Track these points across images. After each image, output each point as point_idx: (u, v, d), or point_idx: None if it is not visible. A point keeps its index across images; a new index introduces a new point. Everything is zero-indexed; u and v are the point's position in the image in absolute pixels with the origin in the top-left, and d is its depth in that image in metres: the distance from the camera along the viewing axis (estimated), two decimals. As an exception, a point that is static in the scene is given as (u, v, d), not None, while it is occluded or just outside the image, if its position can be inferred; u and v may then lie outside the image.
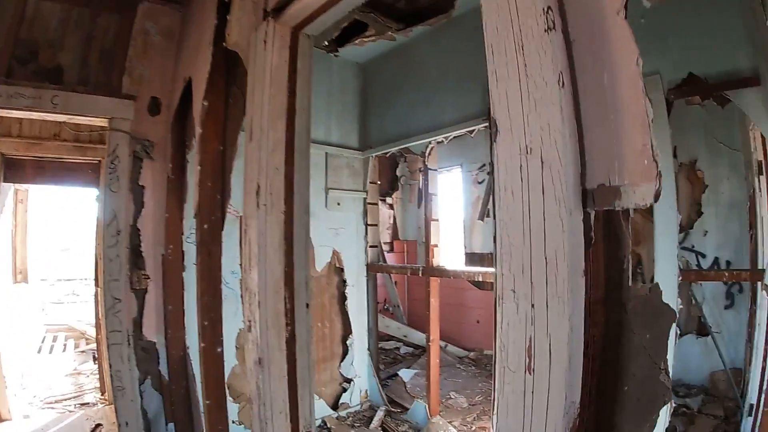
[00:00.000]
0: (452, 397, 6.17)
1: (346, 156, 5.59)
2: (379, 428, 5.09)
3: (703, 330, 6.54)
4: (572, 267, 1.13)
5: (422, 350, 7.80)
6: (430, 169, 5.25)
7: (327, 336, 5.39)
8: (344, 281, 5.58)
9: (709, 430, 5.10)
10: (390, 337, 8.06)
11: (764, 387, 4.97)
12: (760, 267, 4.79)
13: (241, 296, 2.26)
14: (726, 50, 3.31)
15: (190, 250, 3.61)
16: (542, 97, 1.17)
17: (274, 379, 2.06)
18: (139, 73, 3.88)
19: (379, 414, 5.28)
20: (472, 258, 8.27)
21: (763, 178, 4.45)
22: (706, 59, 3.38)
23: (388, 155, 6.07)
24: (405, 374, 6.47)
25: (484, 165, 8.31)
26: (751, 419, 4.79)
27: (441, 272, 5.17)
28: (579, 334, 1.14)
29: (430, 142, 5.13)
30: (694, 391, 6.44)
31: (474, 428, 5.49)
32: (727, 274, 4.46)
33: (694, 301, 6.52)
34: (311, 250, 3.88)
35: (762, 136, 4.27)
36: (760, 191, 4.60)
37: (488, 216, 6.98)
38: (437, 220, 5.32)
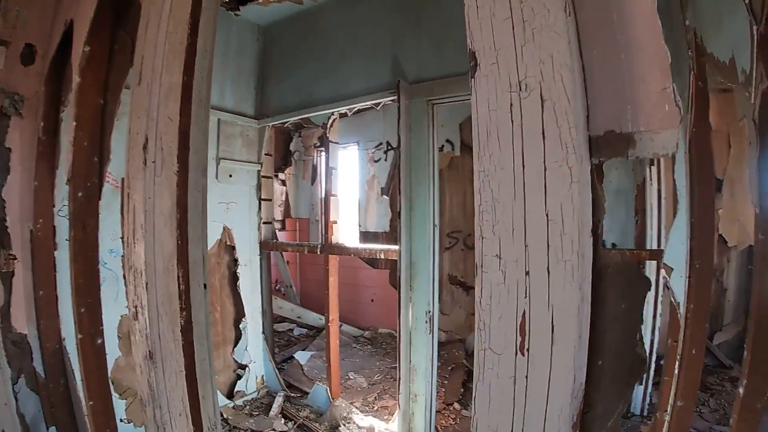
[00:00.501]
0: (351, 377, 6.00)
1: (240, 124, 5.12)
2: (280, 415, 4.78)
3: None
4: (582, 225, 0.96)
5: (317, 331, 7.55)
6: (332, 142, 4.95)
7: (218, 320, 4.95)
8: (236, 260, 5.15)
9: None
10: (283, 319, 7.72)
11: (653, 357, 5.37)
12: (648, 248, 5.10)
13: (124, 277, 1.85)
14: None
15: (63, 225, 3.03)
16: (543, 25, 0.96)
17: (169, 375, 1.70)
18: (14, 15, 3.14)
19: (278, 400, 4.97)
20: (366, 237, 8.13)
21: (654, 168, 4.98)
22: None
23: (284, 126, 5.67)
24: (301, 357, 6.19)
25: (380, 144, 8.17)
26: (641, 386, 5.33)
27: (341, 250, 4.93)
28: (588, 306, 0.98)
29: (332, 113, 4.84)
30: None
31: (376, 408, 5.36)
32: (628, 254, 4.69)
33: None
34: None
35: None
36: (650, 181, 5.07)
37: (386, 194, 6.83)
38: (336, 196, 5.06)
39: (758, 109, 1.84)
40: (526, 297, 0.99)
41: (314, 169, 9.19)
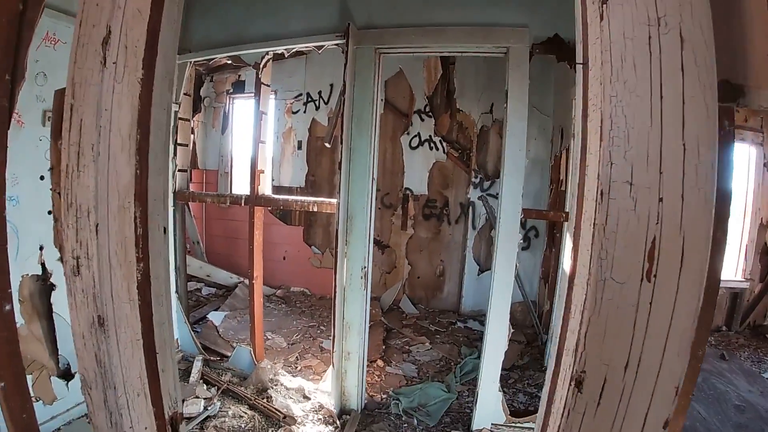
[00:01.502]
0: (269, 337, 5.73)
1: None
2: (201, 381, 4.43)
3: (502, 267, 7.13)
4: (714, 157, 0.98)
5: (226, 290, 7.13)
6: (264, 85, 4.52)
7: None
8: (149, 211, 4.62)
9: (518, 353, 5.58)
10: (190, 278, 7.19)
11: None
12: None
13: (56, 217, 1.43)
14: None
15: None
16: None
17: (124, 346, 1.35)
18: None
19: (197, 365, 4.60)
20: (280, 191, 7.76)
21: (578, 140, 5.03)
22: (573, 26, 3.49)
23: (205, 64, 5.11)
24: (215, 318, 5.81)
25: (300, 95, 7.77)
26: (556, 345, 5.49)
27: (269, 201, 4.58)
28: (710, 231, 0.99)
29: (267, 53, 4.40)
30: (493, 321, 7.05)
31: (299, 368, 5.15)
32: (552, 214, 4.86)
33: (493, 242, 7.03)
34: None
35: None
36: (573, 151, 5.11)
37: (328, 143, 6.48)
38: (265, 143, 4.66)
39: None
40: (657, 223, 0.99)
41: (225, 117, 8.57)
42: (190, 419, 3.88)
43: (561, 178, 5.91)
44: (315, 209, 4.31)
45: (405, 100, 7.34)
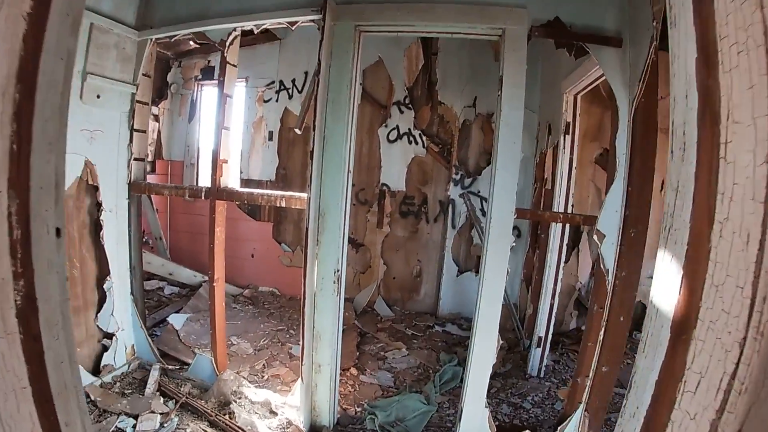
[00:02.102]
0: (234, 342, 5.29)
1: (117, 33, 3.97)
2: (157, 393, 3.96)
3: (482, 269, 6.83)
4: None
5: (190, 290, 6.63)
6: (230, 65, 4.06)
7: (78, 279, 3.92)
8: (99, 204, 4.12)
9: (500, 359, 5.28)
10: (151, 276, 6.68)
11: (552, 322, 5.31)
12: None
13: None
14: (596, 7, 3.39)
15: None
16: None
17: (3, 398, 0.91)
18: None
19: (154, 374, 4.13)
20: (249, 185, 7.31)
21: (568, 137, 4.98)
22: (575, 9, 3.40)
23: (169, 41, 4.63)
24: (176, 321, 5.33)
25: (273, 82, 7.32)
26: (539, 349, 5.35)
27: (231, 195, 4.14)
28: None
29: (234, 29, 3.95)
30: (474, 325, 6.74)
31: (266, 377, 4.73)
32: (561, 217, 4.58)
33: (473, 242, 6.72)
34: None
35: (574, 99, 4.88)
36: (564, 149, 5.03)
37: (299, 129, 6.04)
38: (229, 129, 4.18)
39: None
40: None
41: (193, 105, 8.06)
42: None
43: (546, 176, 5.61)
44: (283, 204, 3.88)
45: (384, 90, 6.94)
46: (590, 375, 3.57)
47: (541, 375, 5.54)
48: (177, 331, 5.12)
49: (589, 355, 3.55)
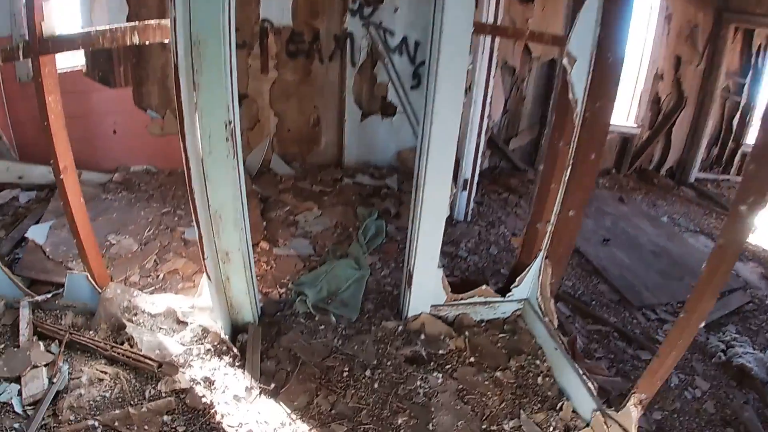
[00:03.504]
0: (112, 242, 4.24)
1: None
2: (35, 337, 2.92)
3: (387, 110, 6.06)
4: None
5: (49, 190, 5.16)
6: None
7: None
8: None
9: None
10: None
11: (477, 165, 4.81)
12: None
13: None
14: None
15: None
16: None
17: None
18: None
19: (24, 314, 2.99)
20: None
21: None
22: None
23: None
24: (36, 234, 4.06)
25: None
26: (465, 192, 4.98)
27: (60, 44, 2.78)
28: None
29: None
30: (385, 171, 6.12)
31: (161, 275, 3.87)
32: (528, 34, 3.81)
33: (377, 81, 5.88)
34: None
35: None
36: None
37: None
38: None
39: None
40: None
41: None
42: (35, 405, 2.54)
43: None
44: (136, 40, 2.67)
45: None
46: (551, 220, 3.11)
47: (468, 219, 5.19)
48: (41, 246, 3.93)
49: (551, 199, 3.04)
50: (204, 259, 2.85)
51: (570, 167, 2.91)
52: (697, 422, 3.15)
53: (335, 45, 5.72)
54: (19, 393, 2.57)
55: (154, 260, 4.05)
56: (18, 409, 2.49)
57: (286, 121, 6.02)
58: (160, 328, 3.14)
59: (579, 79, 2.72)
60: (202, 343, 3.08)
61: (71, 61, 5.33)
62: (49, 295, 3.25)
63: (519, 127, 6.73)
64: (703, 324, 2.10)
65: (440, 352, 3.20)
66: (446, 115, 2.76)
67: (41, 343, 2.85)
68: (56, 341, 2.91)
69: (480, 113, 4.53)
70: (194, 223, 2.75)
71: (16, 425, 2.42)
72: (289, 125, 6.05)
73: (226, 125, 2.61)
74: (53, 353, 2.83)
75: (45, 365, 2.73)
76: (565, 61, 2.69)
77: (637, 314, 4.17)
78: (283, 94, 5.85)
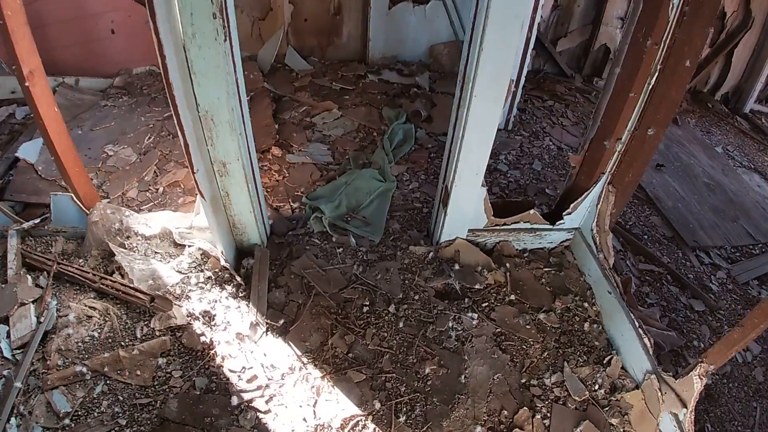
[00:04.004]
0: (110, 153, 3.78)
1: None
2: (23, 270, 2.54)
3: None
4: None
5: None
6: None
7: None
8: None
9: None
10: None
11: (525, 66, 4.08)
12: None
13: None
14: None
15: None
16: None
17: None
18: None
19: (12, 243, 2.57)
20: None
21: None
22: None
23: None
24: (27, 152, 3.55)
25: None
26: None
27: None
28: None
29: None
30: (415, 67, 5.39)
31: (161, 189, 3.45)
32: None
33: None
34: None
35: None
36: None
37: None
38: None
39: None
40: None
41: None
42: (24, 347, 2.22)
43: None
44: None
45: None
46: (623, 138, 2.47)
47: (509, 127, 4.56)
48: (33, 165, 3.48)
49: (627, 111, 2.37)
50: (194, 173, 2.34)
51: (656, 75, 2.23)
52: (745, 391, 2.75)
53: None
54: (8, 335, 2.25)
55: (154, 171, 3.60)
56: (7, 353, 2.21)
57: (303, 8, 5.23)
58: (156, 253, 2.73)
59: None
60: (201, 270, 2.68)
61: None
62: (37, 221, 2.84)
63: (569, 27, 5.78)
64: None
65: (476, 286, 2.74)
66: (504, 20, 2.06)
67: (29, 277, 2.50)
68: (45, 272, 2.54)
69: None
70: (177, 127, 2.22)
71: (6, 372, 2.13)
72: (306, 14, 5.27)
73: (213, 2, 1.93)
74: (42, 287, 2.48)
75: (33, 302, 2.39)
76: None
77: (691, 255, 3.64)
78: (298, -25, 5.04)
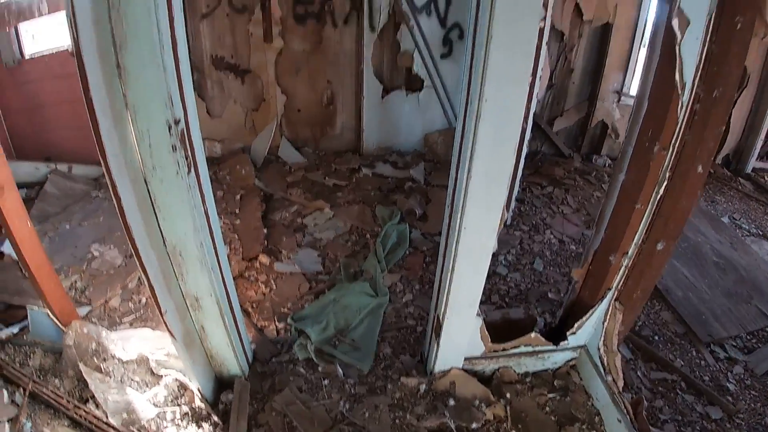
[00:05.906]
0: (95, 253, 3.64)
1: None
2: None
3: (413, 84, 5.22)
4: None
5: (40, 188, 4.52)
6: None
7: None
8: None
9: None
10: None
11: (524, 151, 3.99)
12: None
13: None
14: None
15: None
16: None
17: None
18: None
19: None
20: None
21: None
22: None
23: None
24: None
25: None
26: None
27: None
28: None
29: None
30: (410, 158, 5.33)
31: (144, 300, 3.28)
32: None
33: (401, 49, 5.03)
34: None
35: None
36: None
37: None
38: None
39: None
40: None
41: None
42: None
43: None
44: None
45: None
46: (629, 252, 2.34)
47: (508, 222, 4.39)
48: (17, 262, 3.32)
49: (634, 223, 2.24)
50: (162, 314, 2.16)
51: (665, 182, 2.10)
52: None
53: (350, 5, 4.80)
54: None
55: (138, 278, 3.44)
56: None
57: (296, 99, 5.25)
58: (132, 380, 2.52)
59: (691, 52, 1.84)
60: (178, 405, 2.46)
61: (56, 41, 4.62)
62: (15, 330, 2.68)
63: (565, 105, 5.81)
64: None
65: (473, 426, 2.49)
66: (503, 100, 1.86)
67: (5, 392, 2.28)
68: (21, 389, 2.33)
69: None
70: (138, 267, 2.05)
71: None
72: (299, 104, 5.28)
73: (169, 127, 1.73)
74: (18, 404, 2.26)
75: (9, 421, 2.17)
76: (675, 23, 1.80)
77: (705, 352, 3.43)
78: (291, 66, 5.05)
